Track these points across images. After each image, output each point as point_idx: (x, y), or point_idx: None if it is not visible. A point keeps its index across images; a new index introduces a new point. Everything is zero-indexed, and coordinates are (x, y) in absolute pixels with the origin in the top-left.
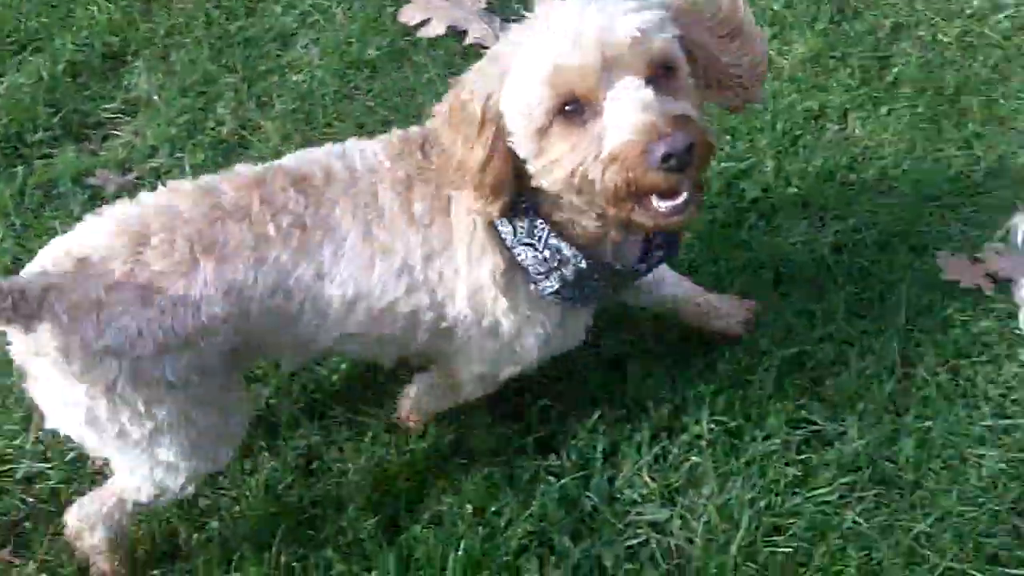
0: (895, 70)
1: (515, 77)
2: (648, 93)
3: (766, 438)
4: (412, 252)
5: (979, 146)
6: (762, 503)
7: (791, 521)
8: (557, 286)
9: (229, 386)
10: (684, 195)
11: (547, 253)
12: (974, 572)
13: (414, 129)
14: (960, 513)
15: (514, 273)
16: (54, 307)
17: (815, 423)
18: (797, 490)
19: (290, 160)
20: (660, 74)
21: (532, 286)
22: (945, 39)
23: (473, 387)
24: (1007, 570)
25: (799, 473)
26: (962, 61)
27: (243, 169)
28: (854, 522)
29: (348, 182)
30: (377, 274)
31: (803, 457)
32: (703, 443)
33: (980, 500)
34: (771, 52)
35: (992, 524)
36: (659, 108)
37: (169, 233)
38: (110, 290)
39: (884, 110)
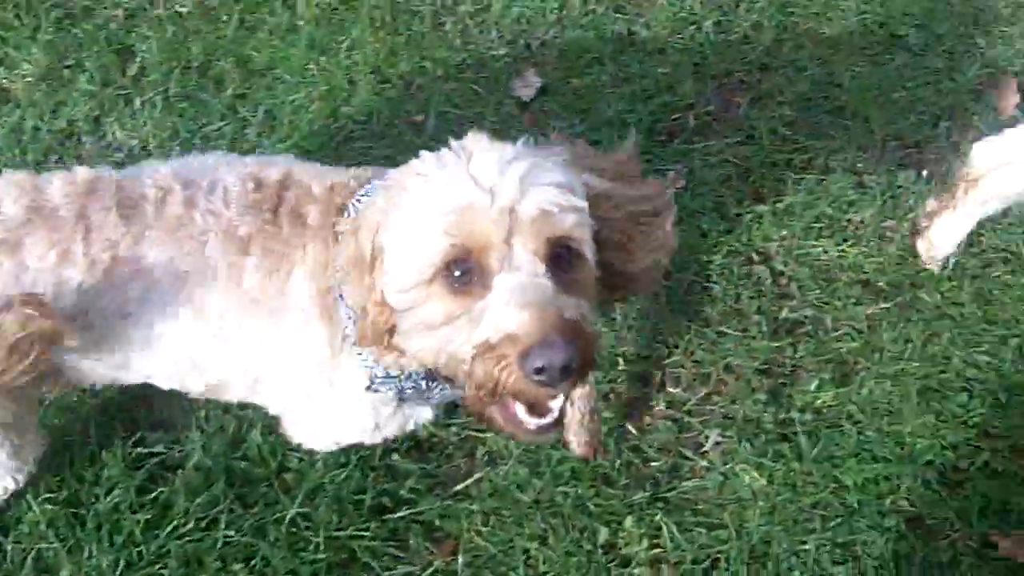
0: (138, 59)
1: (409, 213)
2: (544, 284)
3: (109, 492)
4: (231, 322)
5: (246, 105)
6: (123, 562)
7: (160, 568)
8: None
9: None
10: (553, 415)
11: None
12: (359, 532)
13: (274, 178)
14: (332, 480)
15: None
16: None
17: (158, 453)
18: (157, 532)
19: (145, 171)
20: (564, 259)
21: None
22: (185, 10)
23: None
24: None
25: (153, 515)
26: (206, 27)
27: (82, 172)
28: (226, 537)
29: (178, 220)
30: (186, 332)
31: (154, 495)
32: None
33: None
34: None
35: (363, 480)
36: (552, 305)
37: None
38: None
39: (137, 104)
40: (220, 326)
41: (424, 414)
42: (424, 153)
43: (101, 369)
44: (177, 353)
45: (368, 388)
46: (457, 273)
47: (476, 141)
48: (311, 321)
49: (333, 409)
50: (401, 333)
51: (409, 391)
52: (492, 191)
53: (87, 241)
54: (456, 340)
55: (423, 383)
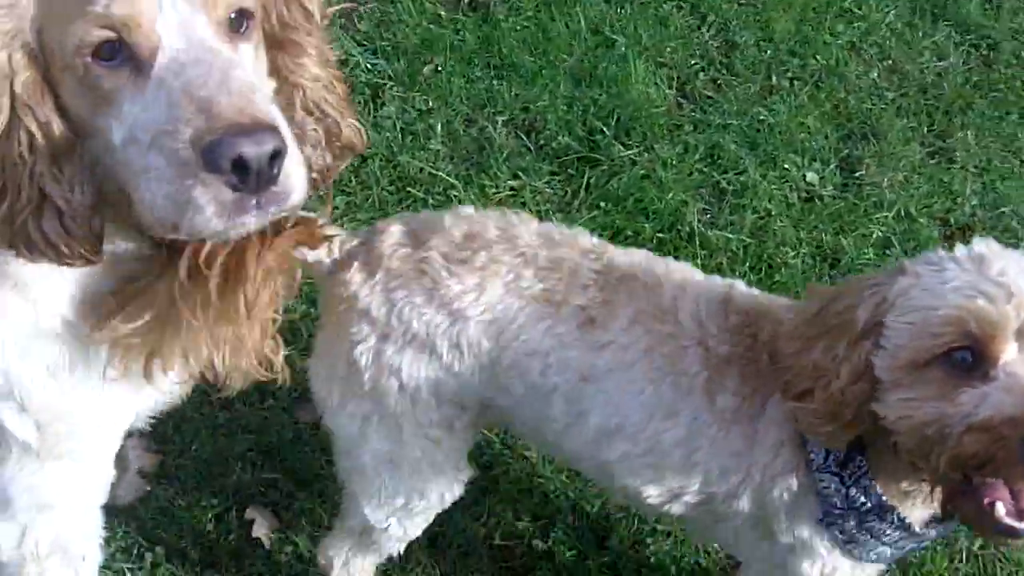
0: None
1: (915, 299)
2: None
3: None
4: (699, 434)
5: None
6: None
7: None
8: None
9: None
10: None
11: (853, 491)
12: None
13: (744, 305)
14: None
15: (804, 500)
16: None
17: None
18: None
19: (621, 255)
20: None
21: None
22: None
23: None
24: None
25: None
26: None
27: (583, 238)
28: None
29: (660, 315)
30: (649, 424)
31: None
32: None
33: None
34: None
35: None
36: None
37: (491, 249)
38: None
39: None
40: (687, 434)
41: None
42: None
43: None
44: (632, 443)
45: (821, 521)
46: (957, 357)
47: (987, 244)
48: (785, 445)
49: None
50: (880, 403)
51: (853, 529)
52: (1007, 287)
53: (568, 291)
54: (950, 418)
55: (888, 515)
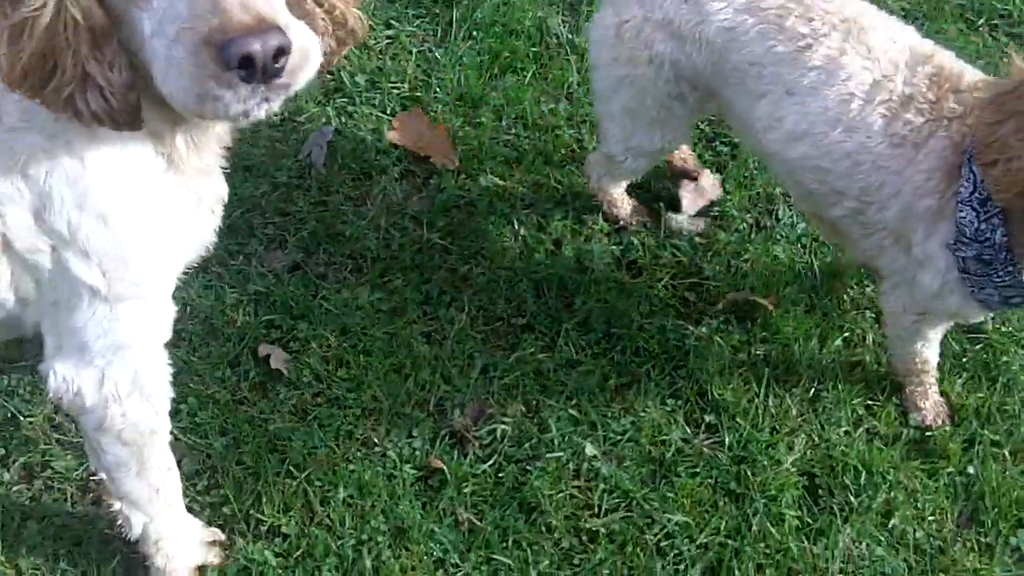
0: None
1: None
2: None
3: None
4: (867, 150)
5: None
6: None
7: None
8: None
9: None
10: None
11: (984, 226)
12: None
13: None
14: None
15: (941, 223)
16: None
17: None
18: None
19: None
20: None
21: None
22: None
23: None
24: None
25: None
26: None
27: None
28: None
29: (866, 53)
30: (830, 134)
31: None
32: None
33: None
34: None
35: None
36: None
37: None
38: None
39: None
40: (858, 148)
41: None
42: None
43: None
44: (813, 145)
45: (950, 245)
46: None
47: None
48: (938, 172)
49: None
50: None
51: (978, 259)
52: None
53: (795, 21)
54: None
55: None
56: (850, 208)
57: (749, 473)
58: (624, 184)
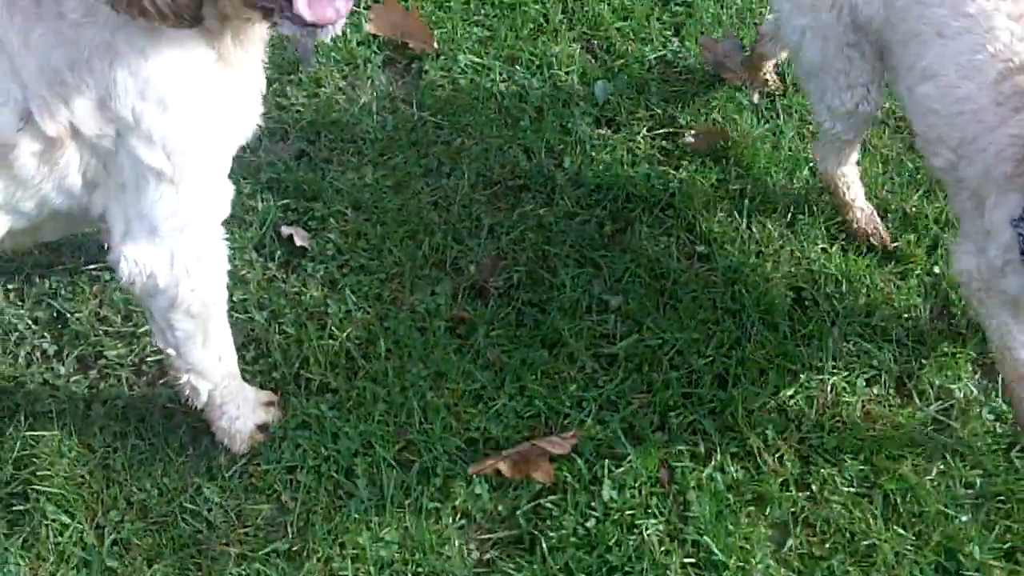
0: None
1: None
2: None
3: None
4: (972, 101)
5: None
6: None
7: None
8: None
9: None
10: None
11: None
12: None
13: None
14: None
15: (1011, 194)
16: None
17: None
18: None
19: None
20: None
21: None
22: None
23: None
24: None
25: None
26: None
27: None
28: None
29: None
30: (950, 78)
31: None
32: None
33: None
34: None
35: None
36: None
37: None
38: None
39: None
40: (967, 97)
41: None
42: None
43: None
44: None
45: (1016, 220)
46: None
47: None
48: (1020, 139)
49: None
50: None
51: None
52: None
53: None
54: None
55: None
56: (948, 160)
57: (743, 291)
58: (848, 164)
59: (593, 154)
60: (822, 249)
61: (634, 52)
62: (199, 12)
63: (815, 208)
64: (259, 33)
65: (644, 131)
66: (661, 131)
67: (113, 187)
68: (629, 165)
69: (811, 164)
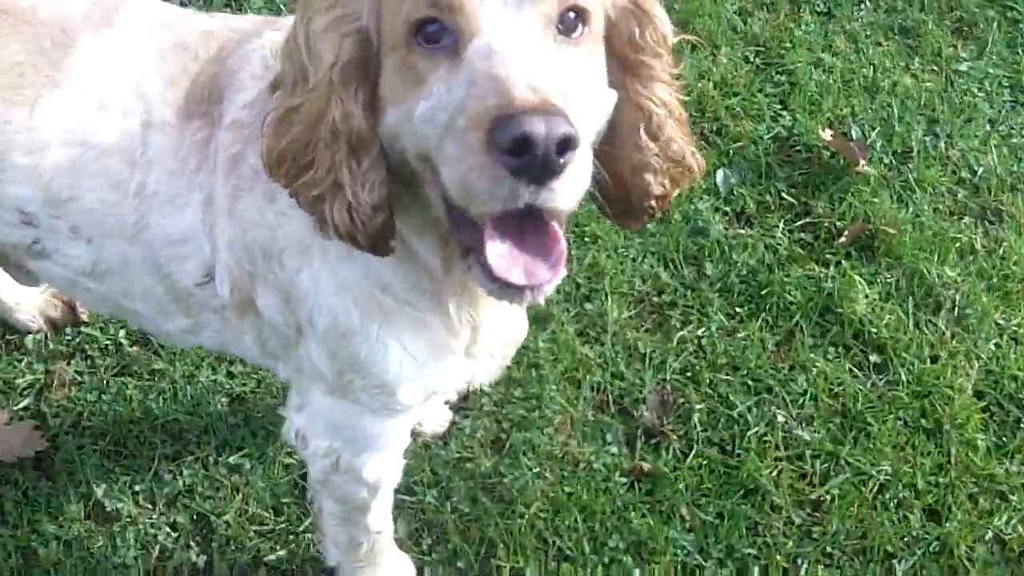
0: None
1: None
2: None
3: None
4: None
5: None
6: None
7: None
8: None
9: None
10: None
11: None
12: None
13: None
14: None
15: None
16: None
17: None
18: None
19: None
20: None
21: None
22: None
23: None
24: None
25: None
26: None
27: None
28: None
29: None
30: None
31: None
32: None
33: None
34: None
35: None
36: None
37: None
38: None
39: None
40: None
41: None
42: None
43: None
44: None
45: None
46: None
47: None
48: None
49: None
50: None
51: None
52: None
53: None
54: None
55: None
56: None
57: (931, 405)
58: None
59: (734, 256)
60: (995, 345)
61: (748, 132)
62: (385, 240)
63: (981, 297)
64: None
65: (781, 224)
66: (798, 223)
67: (292, 363)
68: (776, 267)
69: (958, 244)
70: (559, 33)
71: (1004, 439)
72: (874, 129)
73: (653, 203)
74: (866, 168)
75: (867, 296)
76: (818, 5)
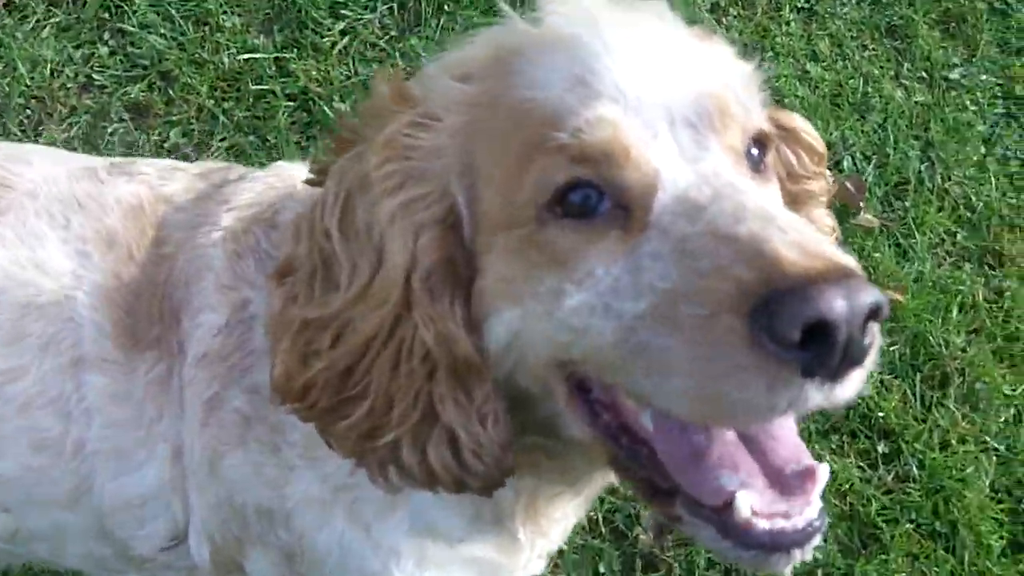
0: None
1: None
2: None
3: None
4: None
5: None
6: None
7: None
8: None
9: None
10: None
11: None
12: None
13: None
14: None
15: None
16: None
17: None
18: None
19: None
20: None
21: None
22: None
23: None
24: None
25: None
26: None
27: None
28: None
29: None
30: None
31: None
32: None
33: None
34: None
35: None
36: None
37: None
38: None
39: None
40: None
41: None
42: None
43: None
44: None
45: None
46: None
47: None
48: None
49: None
50: None
51: None
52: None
53: None
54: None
55: None
56: None
57: (943, 504)
58: None
59: None
60: (1004, 422)
61: None
62: (501, 483)
63: (988, 370)
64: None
65: None
66: None
67: None
68: None
69: (960, 297)
70: (748, 168)
71: (1016, 532)
72: (868, 160)
73: None
74: (867, 216)
75: (871, 375)
76: (798, 0)
